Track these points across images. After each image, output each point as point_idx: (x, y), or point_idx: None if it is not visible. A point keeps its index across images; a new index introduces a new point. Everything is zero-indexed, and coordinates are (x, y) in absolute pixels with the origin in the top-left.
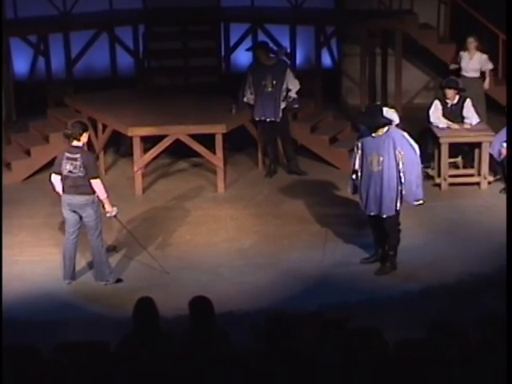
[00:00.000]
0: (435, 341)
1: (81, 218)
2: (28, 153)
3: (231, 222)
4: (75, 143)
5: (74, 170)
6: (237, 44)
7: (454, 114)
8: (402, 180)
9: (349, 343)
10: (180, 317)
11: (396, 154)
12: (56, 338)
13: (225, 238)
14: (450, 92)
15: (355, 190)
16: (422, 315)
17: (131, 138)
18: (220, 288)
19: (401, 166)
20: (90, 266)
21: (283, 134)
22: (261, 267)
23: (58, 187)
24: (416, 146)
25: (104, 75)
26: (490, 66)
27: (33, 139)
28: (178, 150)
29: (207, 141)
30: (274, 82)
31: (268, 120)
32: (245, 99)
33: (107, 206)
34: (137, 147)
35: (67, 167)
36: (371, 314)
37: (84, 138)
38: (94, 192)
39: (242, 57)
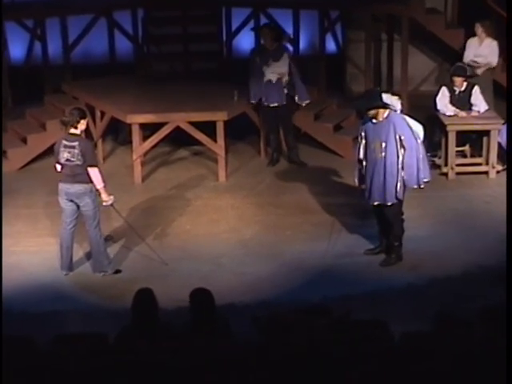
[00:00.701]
0: (440, 333)
1: (78, 207)
2: (24, 141)
3: (232, 212)
4: (73, 131)
5: (72, 159)
6: (239, 29)
7: (461, 101)
8: (404, 165)
9: (354, 335)
10: (180, 308)
11: (396, 139)
12: (53, 330)
13: (226, 228)
14: (458, 79)
15: (362, 180)
16: (427, 307)
17: (130, 125)
18: (221, 279)
19: (402, 150)
20: (88, 256)
21: (285, 123)
22: (262, 258)
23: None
24: (418, 129)
25: (102, 61)
26: (494, 62)
27: (29, 127)
28: (178, 138)
29: (208, 128)
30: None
31: (271, 105)
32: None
33: (104, 195)
34: (136, 135)
35: (65, 155)
36: (376, 306)
37: (82, 125)
38: (91, 181)
39: (244, 42)
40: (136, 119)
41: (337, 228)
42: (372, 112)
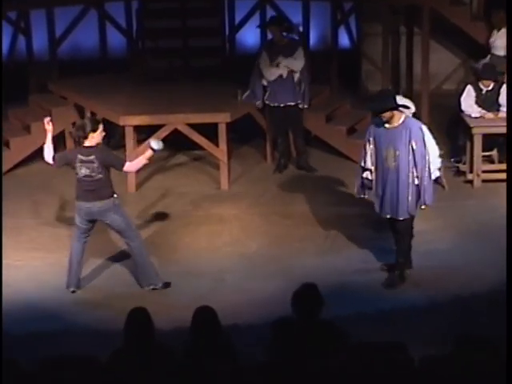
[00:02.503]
0: (462, 357)
1: (94, 223)
2: (7, 144)
3: (235, 223)
4: (86, 143)
5: (93, 174)
6: (243, 22)
7: (488, 101)
8: (415, 176)
9: (371, 358)
10: (177, 329)
11: (409, 148)
12: (41, 352)
13: (228, 241)
14: (485, 80)
15: (363, 190)
16: (449, 328)
17: (123, 127)
18: (223, 296)
19: (413, 160)
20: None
21: (295, 124)
22: (268, 273)
23: (47, 155)
24: (431, 145)
25: (93, 57)
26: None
27: (12, 129)
28: (177, 142)
29: (209, 131)
30: None
31: (282, 105)
32: (264, 82)
33: (149, 153)
34: (130, 138)
35: (82, 171)
36: (393, 326)
37: (94, 137)
38: (112, 195)
39: (249, 37)
40: (130, 121)
41: (343, 241)
42: (387, 115)
